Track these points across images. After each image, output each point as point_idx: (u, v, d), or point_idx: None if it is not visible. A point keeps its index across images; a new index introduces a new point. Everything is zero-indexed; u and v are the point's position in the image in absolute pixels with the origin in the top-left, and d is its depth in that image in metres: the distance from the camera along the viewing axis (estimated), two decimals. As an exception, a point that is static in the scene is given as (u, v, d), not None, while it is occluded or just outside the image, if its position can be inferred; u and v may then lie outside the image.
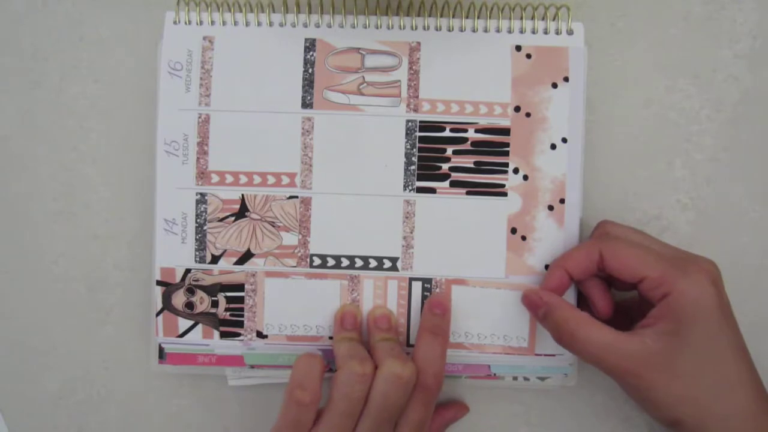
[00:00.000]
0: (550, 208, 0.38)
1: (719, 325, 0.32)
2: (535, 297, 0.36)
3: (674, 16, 0.40)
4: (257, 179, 0.38)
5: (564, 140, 0.38)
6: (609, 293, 0.36)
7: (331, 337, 0.38)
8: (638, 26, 0.40)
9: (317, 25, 0.38)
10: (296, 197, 0.38)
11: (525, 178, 0.38)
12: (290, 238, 0.38)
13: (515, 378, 0.39)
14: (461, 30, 0.38)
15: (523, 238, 0.38)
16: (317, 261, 0.38)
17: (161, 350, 0.39)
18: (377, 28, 0.38)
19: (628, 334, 0.33)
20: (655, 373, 0.32)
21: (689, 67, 0.40)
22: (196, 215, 0.38)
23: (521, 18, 0.38)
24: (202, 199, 0.38)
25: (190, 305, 0.38)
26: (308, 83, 0.38)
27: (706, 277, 0.32)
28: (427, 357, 0.35)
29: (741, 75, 0.40)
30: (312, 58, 0.38)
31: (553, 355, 0.38)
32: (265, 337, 0.38)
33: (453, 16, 0.38)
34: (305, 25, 0.38)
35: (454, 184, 0.38)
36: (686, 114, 0.40)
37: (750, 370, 0.32)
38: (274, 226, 0.38)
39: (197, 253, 0.38)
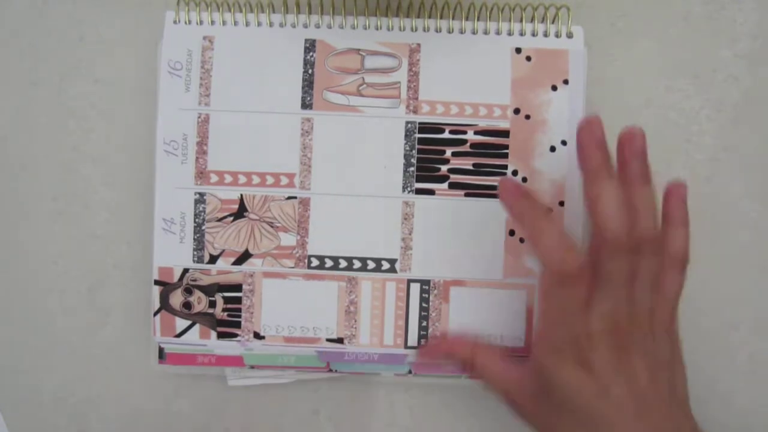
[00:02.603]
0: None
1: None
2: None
3: (674, 16, 0.40)
4: (256, 179, 0.38)
5: (563, 143, 0.38)
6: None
7: (328, 339, 0.38)
8: (638, 26, 0.40)
9: (317, 26, 0.38)
10: (295, 198, 0.38)
11: (524, 180, 0.38)
12: (288, 239, 0.38)
13: (514, 379, 0.39)
14: (461, 32, 0.38)
15: (522, 240, 0.38)
16: (315, 262, 0.38)
17: (161, 350, 0.39)
18: (377, 29, 0.38)
19: (519, 367, 0.34)
20: (529, 407, 0.33)
21: (689, 67, 0.40)
22: (195, 215, 0.38)
23: (521, 20, 0.38)
24: (200, 198, 0.38)
25: (187, 305, 0.38)
26: (308, 84, 0.38)
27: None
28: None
29: (741, 75, 0.40)
30: (312, 58, 0.38)
31: (552, 356, 0.38)
32: (263, 338, 0.38)
33: (453, 18, 0.38)
34: (305, 26, 0.38)
35: (453, 185, 0.38)
36: (686, 114, 0.40)
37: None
38: (272, 227, 0.38)
39: (195, 252, 0.38)
